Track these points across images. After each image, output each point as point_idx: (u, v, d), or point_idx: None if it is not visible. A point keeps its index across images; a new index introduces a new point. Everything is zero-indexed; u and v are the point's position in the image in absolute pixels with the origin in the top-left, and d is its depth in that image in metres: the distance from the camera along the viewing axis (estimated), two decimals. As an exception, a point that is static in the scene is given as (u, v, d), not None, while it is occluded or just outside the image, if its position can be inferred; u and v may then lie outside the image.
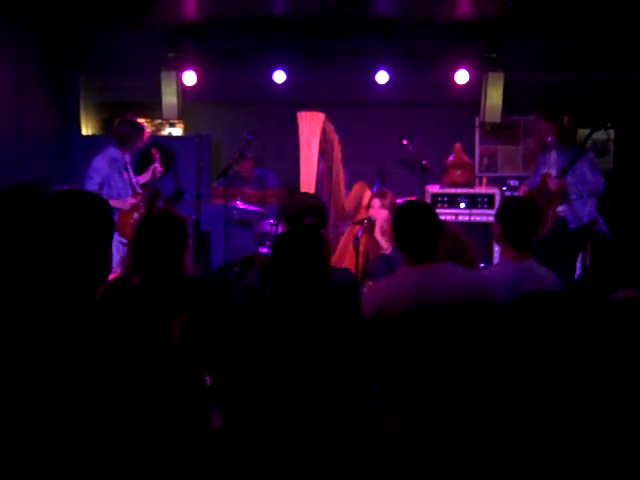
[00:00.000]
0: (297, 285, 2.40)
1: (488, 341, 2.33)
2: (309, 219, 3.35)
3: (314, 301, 2.39)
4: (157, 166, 6.08)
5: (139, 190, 5.95)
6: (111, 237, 2.17)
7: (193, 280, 2.90)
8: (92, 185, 5.70)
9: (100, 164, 5.77)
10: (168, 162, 6.71)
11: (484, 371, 1.82)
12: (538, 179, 5.69)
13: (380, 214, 5.01)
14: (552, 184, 5.46)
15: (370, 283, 4.41)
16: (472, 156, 7.53)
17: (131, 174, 5.96)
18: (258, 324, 2.39)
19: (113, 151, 5.86)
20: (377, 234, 4.89)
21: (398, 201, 5.35)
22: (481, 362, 2.43)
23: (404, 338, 2.77)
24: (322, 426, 2.27)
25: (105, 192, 5.65)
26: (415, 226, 2.89)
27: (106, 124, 8.28)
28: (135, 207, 5.78)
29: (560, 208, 5.53)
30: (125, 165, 5.91)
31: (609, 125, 7.07)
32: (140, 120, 6.21)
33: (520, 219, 3.35)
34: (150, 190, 6.02)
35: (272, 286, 2.46)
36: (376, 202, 5.08)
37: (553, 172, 5.57)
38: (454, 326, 2.73)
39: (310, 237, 2.50)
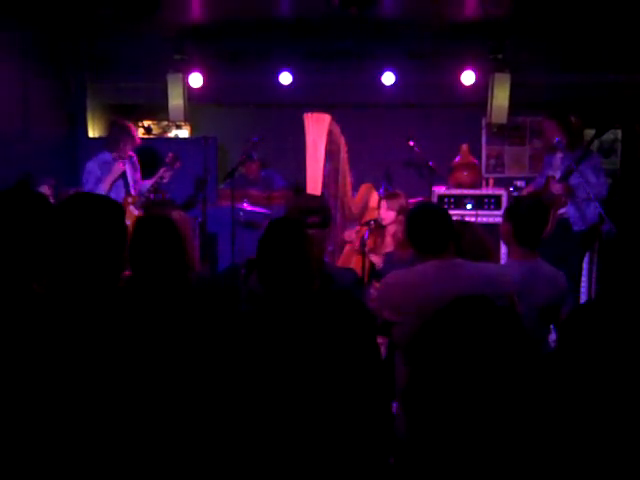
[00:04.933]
0: (280, 283, 2.37)
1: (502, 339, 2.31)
2: (312, 219, 3.34)
3: (301, 300, 2.37)
4: (164, 170, 6.07)
5: (133, 192, 5.96)
6: (124, 240, 2.17)
7: (199, 279, 2.89)
8: (89, 185, 5.83)
9: (91, 167, 5.90)
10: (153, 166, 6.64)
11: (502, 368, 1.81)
12: (543, 180, 5.69)
13: (388, 216, 5.01)
14: (554, 187, 5.45)
15: (377, 284, 4.41)
16: (479, 157, 7.52)
17: (130, 178, 5.97)
18: (252, 326, 2.37)
19: (105, 155, 5.93)
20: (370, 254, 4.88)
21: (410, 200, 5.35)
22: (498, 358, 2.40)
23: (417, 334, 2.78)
24: (325, 432, 2.24)
25: None
26: (425, 220, 2.97)
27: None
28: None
29: (564, 209, 5.52)
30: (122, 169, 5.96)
31: (614, 127, 7.05)
32: (130, 123, 6.17)
33: (530, 218, 3.34)
34: (154, 198, 6.00)
35: (262, 286, 2.45)
36: (384, 204, 5.07)
37: (558, 174, 5.56)
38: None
39: (288, 231, 2.48)
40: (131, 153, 6.08)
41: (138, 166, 6.13)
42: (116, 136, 5.96)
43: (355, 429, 2.27)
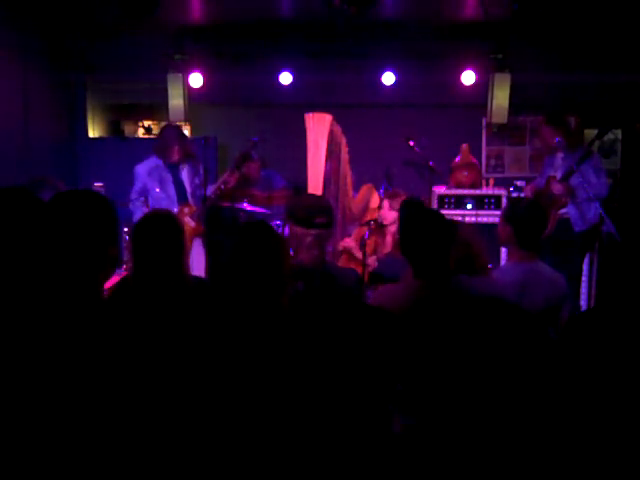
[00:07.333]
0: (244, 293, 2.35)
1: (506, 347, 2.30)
2: (319, 219, 3.34)
3: (263, 313, 2.33)
4: (228, 174, 5.85)
5: (191, 201, 5.76)
6: (114, 234, 2.18)
7: (195, 283, 2.90)
8: (133, 193, 5.64)
9: (139, 170, 5.67)
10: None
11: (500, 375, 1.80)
12: (543, 181, 5.69)
13: (390, 215, 5.01)
14: (555, 188, 5.45)
15: (379, 287, 4.40)
16: (479, 157, 7.52)
17: (188, 183, 5.77)
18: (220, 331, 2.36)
19: (153, 159, 5.71)
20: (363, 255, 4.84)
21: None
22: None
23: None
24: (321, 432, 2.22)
25: (150, 204, 5.55)
26: (426, 237, 2.77)
27: (113, 127, 8.30)
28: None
29: (564, 210, 5.52)
30: (176, 174, 5.75)
31: (615, 128, 7.04)
32: (180, 126, 6.00)
33: (530, 220, 3.34)
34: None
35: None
36: (386, 203, 5.07)
37: (558, 174, 5.56)
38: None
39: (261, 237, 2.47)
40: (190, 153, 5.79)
41: (200, 170, 5.81)
42: (163, 142, 5.70)
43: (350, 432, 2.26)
